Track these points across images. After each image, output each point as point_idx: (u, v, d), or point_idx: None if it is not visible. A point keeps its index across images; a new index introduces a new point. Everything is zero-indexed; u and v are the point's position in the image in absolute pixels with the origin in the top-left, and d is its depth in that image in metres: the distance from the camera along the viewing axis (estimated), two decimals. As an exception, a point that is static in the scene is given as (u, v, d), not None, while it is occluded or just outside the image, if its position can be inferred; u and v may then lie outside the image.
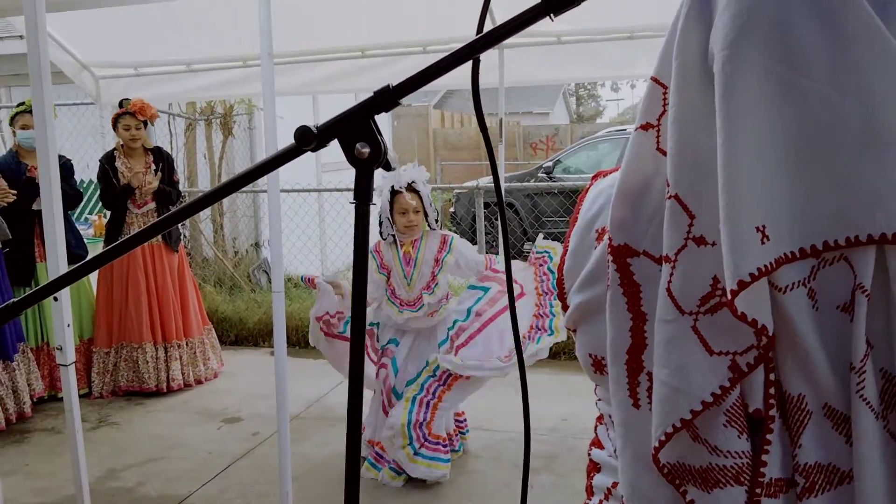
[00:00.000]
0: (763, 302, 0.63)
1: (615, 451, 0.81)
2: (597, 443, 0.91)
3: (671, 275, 0.68)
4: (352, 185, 0.71)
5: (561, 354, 5.15)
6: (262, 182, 7.71)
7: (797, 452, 0.66)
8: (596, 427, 0.92)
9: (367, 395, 3.50)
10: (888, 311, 0.63)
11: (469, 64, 0.74)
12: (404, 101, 0.78)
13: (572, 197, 7.49)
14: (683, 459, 0.70)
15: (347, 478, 0.75)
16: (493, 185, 4.34)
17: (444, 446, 3.28)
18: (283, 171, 1.19)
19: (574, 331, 0.86)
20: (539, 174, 9.52)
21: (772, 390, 0.66)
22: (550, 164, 9.66)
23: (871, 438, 0.63)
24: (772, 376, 0.66)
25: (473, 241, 6.55)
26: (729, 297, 0.61)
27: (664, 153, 0.72)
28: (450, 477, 3.32)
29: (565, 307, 0.86)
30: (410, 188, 3.33)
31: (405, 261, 3.37)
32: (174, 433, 4.13)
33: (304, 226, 7.03)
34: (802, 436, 0.66)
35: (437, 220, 3.40)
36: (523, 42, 4.82)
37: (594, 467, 0.90)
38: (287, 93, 5.32)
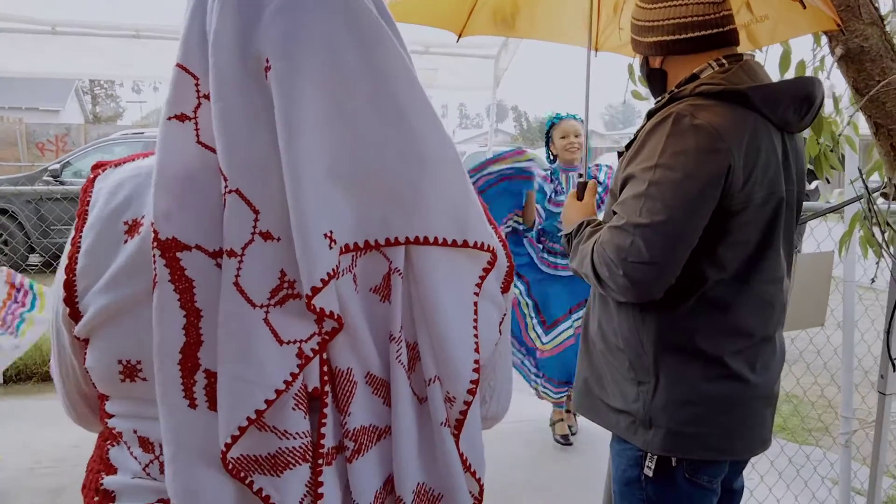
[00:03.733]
0: (332, 293, 0.70)
1: (146, 466, 0.76)
2: (106, 468, 0.80)
3: (238, 269, 0.68)
4: None
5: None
6: None
7: (346, 420, 0.74)
8: (106, 450, 0.80)
9: None
10: (409, 292, 0.76)
11: None
12: None
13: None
14: (250, 451, 0.71)
15: None
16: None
17: None
18: None
19: (85, 340, 0.76)
20: (45, 177, 8.50)
21: (325, 368, 0.73)
22: (58, 166, 8.71)
23: (404, 395, 0.76)
24: (325, 355, 0.73)
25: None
26: (307, 296, 0.67)
27: (207, 147, 0.71)
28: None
29: (76, 314, 0.76)
30: None
31: None
32: None
33: None
34: (351, 404, 0.74)
35: None
36: (7, 27, 4.25)
37: (107, 497, 0.78)
38: None
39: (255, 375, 0.68)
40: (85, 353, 0.77)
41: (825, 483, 3.19)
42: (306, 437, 0.72)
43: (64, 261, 0.78)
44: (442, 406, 0.78)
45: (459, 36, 3.19)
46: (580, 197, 1.86)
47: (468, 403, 0.79)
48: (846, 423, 2.88)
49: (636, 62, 3.03)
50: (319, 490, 0.73)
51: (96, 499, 0.79)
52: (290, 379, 0.69)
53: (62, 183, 8.22)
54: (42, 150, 15.80)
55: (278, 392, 0.69)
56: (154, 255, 0.69)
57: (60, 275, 0.79)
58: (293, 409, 0.71)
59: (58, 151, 15.50)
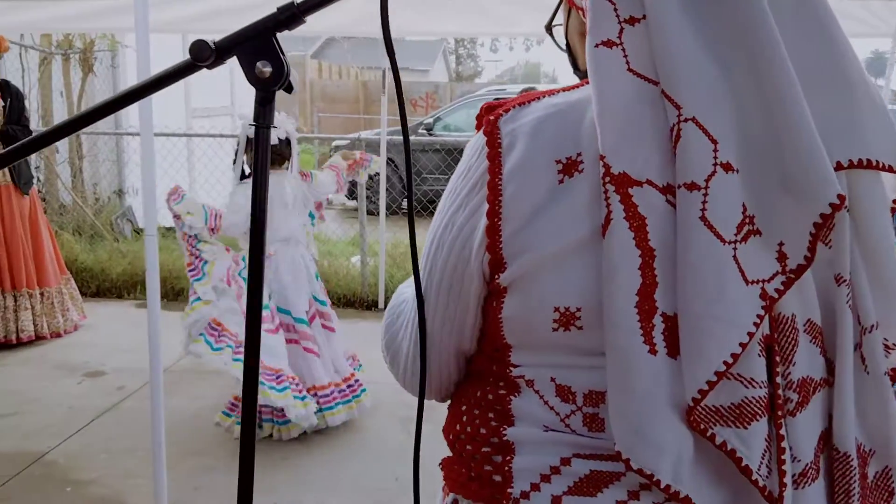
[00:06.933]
0: None
1: (566, 417, 0.74)
2: (503, 419, 0.77)
3: (704, 202, 0.65)
4: (223, 132, 0.68)
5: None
6: (130, 125, 7.25)
7: (790, 371, 0.69)
8: (508, 399, 0.77)
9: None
10: (845, 226, 0.69)
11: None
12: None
13: (452, 154, 7.51)
14: (713, 401, 0.66)
15: (243, 432, 0.74)
16: (374, 137, 4.39)
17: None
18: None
19: (504, 289, 0.74)
20: (420, 130, 9.51)
21: (771, 313, 0.68)
22: (431, 120, 9.67)
23: (850, 344, 0.70)
24: None
25: (353, 196, 6.47)
26: (823, 216, 0.64)
27: (639, 75, 0.69)
28: (327, 431, 3.34)
29: (499, 261, 0.73)
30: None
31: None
32: (30, 387, 3.86)
33: (173, 172, 6.68)
34: (796, 354, 0.69)
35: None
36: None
37: (504, 448, 0.76)
38: (156, 29, 4.97)
39: (729, 315, 0.64)
40: (501, 303, 0.75)
41: None
42: (766, 386, 0.67)
43: (465, 203, 0.77)
44: (882, 355, 0.72)
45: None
46: None
47: None
48: None
49: None
50: (782, 444, 0.68)
51: (485, 449, 0.77)
52: (757, 321, 0.65)
53: (433, 136, 9.11)
54: (415, 105, 17.65)
55: (750, 335, 0.64)
56: (607, 191, 0.67)
57: (447, 222, 0.79)
58: (758, 355, 0.67)
59: (427, 107, 17.17)
